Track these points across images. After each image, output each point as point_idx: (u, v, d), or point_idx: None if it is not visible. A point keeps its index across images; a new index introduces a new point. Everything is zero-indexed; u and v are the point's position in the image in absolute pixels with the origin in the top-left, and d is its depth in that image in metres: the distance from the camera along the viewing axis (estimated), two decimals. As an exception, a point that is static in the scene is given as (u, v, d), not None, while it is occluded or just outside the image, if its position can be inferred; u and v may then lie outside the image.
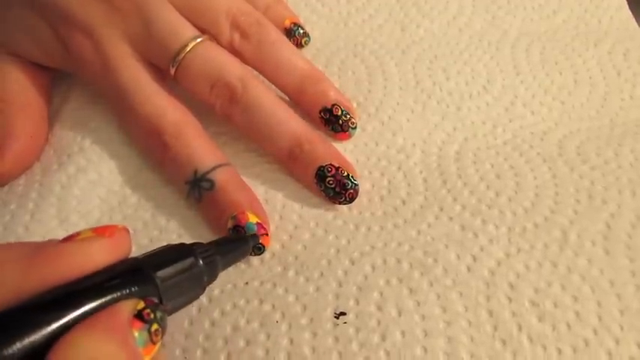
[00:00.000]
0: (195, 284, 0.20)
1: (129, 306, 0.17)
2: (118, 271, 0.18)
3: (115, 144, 0.31)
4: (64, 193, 0.29)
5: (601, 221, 0.26)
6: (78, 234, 0.18)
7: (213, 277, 0.21)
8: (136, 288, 0.17)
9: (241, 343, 0.24)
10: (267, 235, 0.26)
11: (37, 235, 0.27)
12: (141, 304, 0.17)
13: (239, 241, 0.25)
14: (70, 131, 0.31)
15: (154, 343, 0.17)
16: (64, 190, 0.29)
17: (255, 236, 0.26)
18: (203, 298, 0.25)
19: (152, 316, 0.17)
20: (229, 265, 0.23)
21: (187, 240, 0.27)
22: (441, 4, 0.38)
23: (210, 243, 0.22)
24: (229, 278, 0.26)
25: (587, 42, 0.36)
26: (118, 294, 0.17)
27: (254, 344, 0.23)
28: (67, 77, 0.34)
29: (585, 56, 0.35)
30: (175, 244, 0.21)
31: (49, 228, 0.28)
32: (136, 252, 0.20)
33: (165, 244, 0.27)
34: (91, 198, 0.29)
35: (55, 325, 0.15)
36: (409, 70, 0.34)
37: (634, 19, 0.38)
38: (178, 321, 0.24)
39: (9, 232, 0.27)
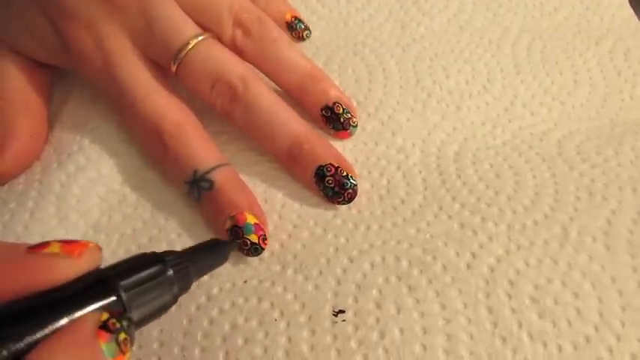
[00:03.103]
0: (163, 293, 0.19)
1: (92, 318, 0.16)
2: (81, 283, 0.17)
3: (114, 143, 0.31)
4: (63, 192, 0.29)
5: (602, 218, 0.26)
6: (46, 245, 0.17)
7: (186, 287, 0.21)
8: (100, 299, 0.17)
9: (240, 342, 0.24)
10: (265, 236, 0.26)
11: (37, 234, 0.27)
12: (105, 315, 0.17)
13: (215, 247, 0.23)
14: (70, 130, 0.31)
15: (124, 353, 0.17)
16: (64, 188, 0.29)
17: (234, 242, 0.25)
18: (202, 297, 0.25)
19: (118, 325, 0.17)
20: (204, 274, 0.22)
21: (186, 240, 0.27)
22: (442, 1, 0.38)
23: (183, 251, 0.21)
24: (228, 277, 0.26)
25: (589, 40, 0.36)
26: (81, 307, 0.16)
27: (252, 342, 0.23)
28: (67, 77, 0.34)
29: (586, 55, 0.35)
30: (144, 253, 0.20)
31: (49, 227, 0.28)
32: (136, 251, 0.19)
33: (164, 243, 0.27)
34: (91, 197, 0.29)
35: (17, 345, 0.15)
36: (409, 68, 0.34)
37: (636, 17, 0.37)
38: (177, 319, 0.24)
39: (8, 230, 0.27)
